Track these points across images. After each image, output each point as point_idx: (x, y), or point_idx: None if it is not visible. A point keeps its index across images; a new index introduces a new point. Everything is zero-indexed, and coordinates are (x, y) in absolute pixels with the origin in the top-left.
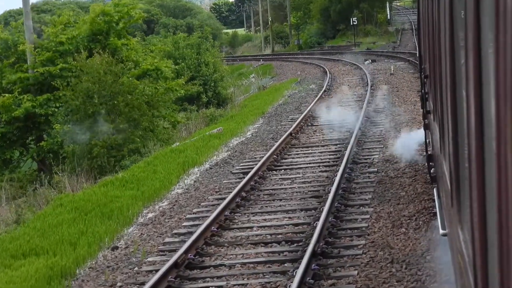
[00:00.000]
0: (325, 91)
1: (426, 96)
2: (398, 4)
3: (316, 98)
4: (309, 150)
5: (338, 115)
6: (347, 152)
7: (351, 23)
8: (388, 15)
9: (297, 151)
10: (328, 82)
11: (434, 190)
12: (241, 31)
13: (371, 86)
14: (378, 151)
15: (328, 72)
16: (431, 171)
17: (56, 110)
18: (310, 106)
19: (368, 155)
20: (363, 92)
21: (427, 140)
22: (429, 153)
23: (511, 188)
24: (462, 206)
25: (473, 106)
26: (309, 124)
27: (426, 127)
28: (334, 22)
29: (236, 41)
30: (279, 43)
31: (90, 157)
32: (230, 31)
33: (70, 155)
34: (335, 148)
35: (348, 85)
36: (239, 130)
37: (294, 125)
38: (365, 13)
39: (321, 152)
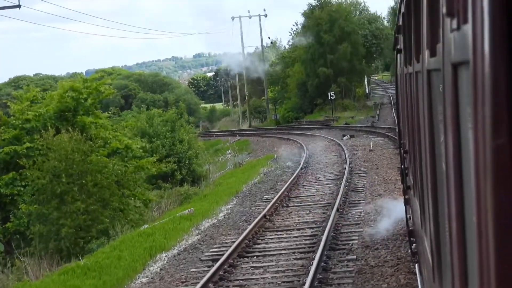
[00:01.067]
0: (302, 168)
1: (406, 171)
2: (376, 78)
3: (293, 177)
4: (283, 234)
5: (315, 195)
6: (323, 237)
7: (329, 98)
8: (367, 89)
9: (271, 235)
10: (305, 159)
11: (416, 265)
12: (219, 105)
13: (349, 164)
14: (357, 236)
15: (305, 149)
16: (412, 246)
17: (22, 189)
18: (286, 185)
19: (346, 240)
20: (341, 170)
21: (408, 216)
22: (410, 228)
23: (492, 264)
24: (444, 281)
25: (453, 180)
26: (285, 205)
27: (407, 202)
28: (311, 97)
29: (214, 116)
30: (257, 118)
31: (57, 238)
32: (208, 105)
33: (36, 236)
34: (311, 231)
35: (326, 162)
36: (211, 211)
37: (268, 206)
38: (343, 87)
39: (296, 237)
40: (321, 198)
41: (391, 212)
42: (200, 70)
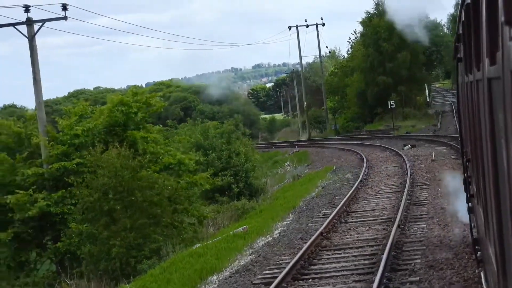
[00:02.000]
0: (361, 181)
1: (469, 179)
2: (437, 86)
3: (352, 190)
4: (341, 253)
5: (375, 210)
6: (384, 257)
7: (389, 106)
8: (427, 97)
9: (328, 254)
10: (365, 171)
11: (481, 273)
12: (279, 116)
13: (410, 175)
14: (420, 255)
15: (365, 159)
16: (478, 254)
17: (72, 208)
18: (345, 200)
19: (408, 260)
20: (402, 182)
21: (472, 224)
22: (474, 236)
23: None
24: (509, 287)
25: None
26: (343, 220)
27: (470, 211)
28: (371, 106)
29: (274, 126)
30: (317, 128)
31: (108, 258)
32: (268, 116)
33: (87, 256)
34: (371, 250)
35: (387, 174)
36: (266, 228)
37: (326, 223)
38: (403, 95)
39: (355, 256)
40: (381, 212)
41: (454, 228)
42: (260, 81)
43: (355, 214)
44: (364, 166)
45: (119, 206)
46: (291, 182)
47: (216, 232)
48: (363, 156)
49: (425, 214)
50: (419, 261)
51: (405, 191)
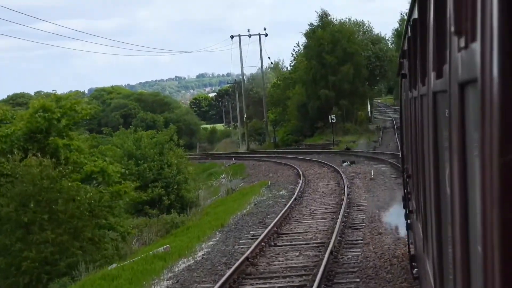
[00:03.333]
0: (295, 199)
1: (409, 196)
2: (379, 101)
3: (285, 209)
4: (266, 283)
5: (307, 232)
6: None
7: (330, 121)
8: (369, 113)
9: (251, 284)
10: (301, 188)
11: None
12: (220, 126)
13: (348, 195)
14: None
15: (301, 175)
16: (414, 271)
17: None
18: (276, 219)
19: None
20: (339, 202)
21: (410, 240)
22: (411, 253)
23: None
24: None
25: (458, 204)
26: (272, 244)
27: (409, 227)
28: (312, 119)
29: (214, 137)
30: (257, 140)
31: (18, 272)
32: (209, 126)
33: None
34: (299, 281)
35: (323, 192)
36: (189, 249)
37: (254, 245)
38: (344, 110)
39: (281, 287)
40: (314, 236)
41: (392, 257)
42: (204, 91)
43: (286, 236)
44: (300, 182)
45: (45, 216)
46: (224, 196)
47: (141, 247)
48: (300, 171)
49: (361, 240)
50: None
51: (341, 212)
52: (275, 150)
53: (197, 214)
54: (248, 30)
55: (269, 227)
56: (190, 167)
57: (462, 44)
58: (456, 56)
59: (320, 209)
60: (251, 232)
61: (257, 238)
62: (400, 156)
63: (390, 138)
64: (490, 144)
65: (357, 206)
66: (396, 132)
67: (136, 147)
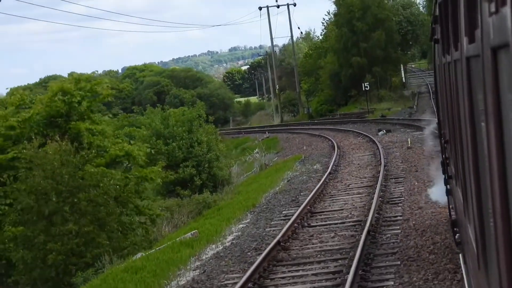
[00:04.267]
0: (330, 173)
1: (447, 161)
2: (413, 66)
3: (319, 184)
4: (299, 270)
5: (343, 210)
6: (349, 277)
7: (363, 89)
8: (403, 78)
9: (283, 272)
10: (335, 161)
11: (460, 255)
12: (254, 99)
13: (384, 166)
14: (394, 274)
15: (336, 147)
16: (456, 236)
17: (7, 208)
18: (310, 197)
19: (378, 280)
20: (375, 174)
21: (450, 206)
22: (453, 218)
23: None
24: (489, 268)
25: (496, 168)
26: (305, 224)
27: (449, 193)
28: (345, 88)
29: (248, 110)
30: (292, 111)
31: (44, 266)
32: (243, 99)
33: (20, 263)
34: (334, 266)
35: (359, 164)
36: (218, 234)
37: (285, 228)
38: (378, 77)
39: (315, 275)
40: (350, 213)
41: (434, 234)
42: (237, 64)
43: (320, 215)
44: (335, 155)
45: (67, 207)
46: (258, 172)
47: (172, 230)
48: (334, 143)
49: (400, 216)
50: (392, 283)
51: (378, 185)
52: (309, 122)
53: (229, 193)
54: (276, 1)
55: (302, 206)
56: (221, 144)
57: (493, 8)
58: (488, 21)
59: (356, 183)
60: (283, 212)
61: (290, 219)
62: (436, 121)
63: (426, 103)
64: None
65: (394, 178)
66: (431, 97)
67: (164, 126)
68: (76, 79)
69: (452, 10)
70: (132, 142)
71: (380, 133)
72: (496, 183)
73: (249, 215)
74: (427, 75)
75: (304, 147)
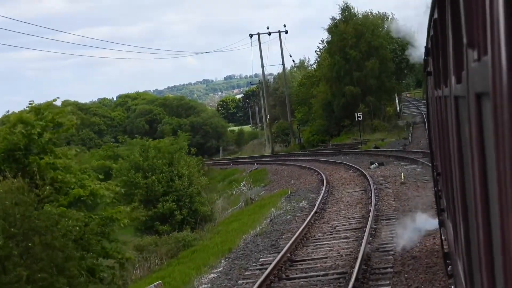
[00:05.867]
0: (316, 212)
1: (440, 193)
2: (408, 95)
3: (303, 225)
4: None
5: (327, 259)
6: None
7: (356, 119)
8: (398, 108)
9: None
10: (323, 198)
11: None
12: (247, 128)
13: (375, 205)
14: None
15: (325, 181)
16: (448, 268)
17: None
18: (292, 241)
19: None
20: (365, 214)
21: (443, 237)
22: (445, 250)
23: None
24: None
25: (480, 207)
26: (283, 276)
27: (441, 224)
28: (338, 118)
29: (242, 139)
30: (284, 141)
31: None
32: (236, 128)
33: None
34: None
35: (348, 202)
36: (185, 286)
37: (260, 280)
38: (371, 106)
39: None
40: (335, 263)
41: None
42: (232, 92)
43: (301, 264)
44: (323, 190)
45: (14, 253)
46: (243, 206)
47: (146, 274)
48: (324, 177)
49: (390, 267)
50: None
51: (367, 229)
52: (300, 152)
53: (210, 231)
54: (268, 28)
55: (282, 252)
56: (203, 178)
57: (476, 56)
58: (472, 66)
59: (343, 225)
60: (260, 260)
61: (267, 268)
62: (429, 152)
63: (420, 134)
64: (503, 162)
65: (386, 220)
66: (426, 127)
67: (143, 158)
68: (36, 108)
69: (442, 47)
70: (100, 176)
71: (372, 166)
72: (480, 222)
73: (223, 262)
74: (422, 105)
75: (292, 180)
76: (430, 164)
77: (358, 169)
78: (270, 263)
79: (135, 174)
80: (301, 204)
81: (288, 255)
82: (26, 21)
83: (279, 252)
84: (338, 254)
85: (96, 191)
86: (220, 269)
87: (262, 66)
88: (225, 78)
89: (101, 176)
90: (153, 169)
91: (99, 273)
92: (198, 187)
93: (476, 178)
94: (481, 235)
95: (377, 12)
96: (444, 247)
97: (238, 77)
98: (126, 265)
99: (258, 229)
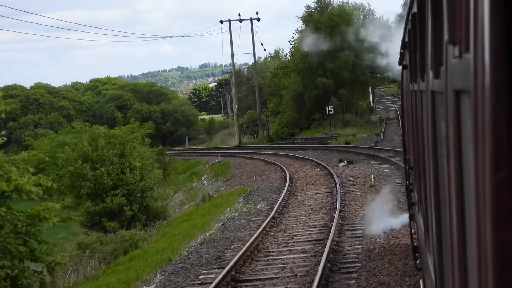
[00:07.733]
0: (273, 217)
1: (411, 187)
2: (382, 89)
3: (257, 233)
4: None
5: (277, 279)
6: None
7: (327, 112)
8: (371, 103)
9: None
10: (284, 199)
11: (421, 281)
12: (219, 117)
13: (340, 212)
14: None
15: (288, 180)
16: (417, 262)
17: None
18: (241, 253)
19: None
20: (328, 223)
21: (413, 231)
22: (415, 244)
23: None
24: None
25: (455, 202)
26: None
27: (411, 218)
28: (309, 111)
29: (212, 128)
30: (254, 133)
31: None
32: (208, 117)
33: None
34: None
35: (310, 206)
36: None
37: None
38: (344, 100)
39: None
40: (286, 286)
41: None
42: (206, 81)
43: (246, 286)
44: (285, 190)
45: None
46: (200, 203)
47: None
48: (288, 174)
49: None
50: None
51: (329, 241)
52: (268, 145)
53: (159, 231)
54: (239, 15)
55: (227, 269)
56: (157, 171)
57: (457, 53)
58: (452, 62)
59: (302, 235)
60: (200, 277)
61: None
62: (402, 147)
63: (394, 130)
64: (482, 162)
65: (351, 231)
66: (400, 124)
67: (92, 148)
68: None
69: (420, 41)
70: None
71: (341, 164)
72: (455, 217)
73: (158, 276)
74: (396, 100)
75: (254, 177)
76: (403, 157)
77: (326, 167)
78: (211, 282)
79: (83, 165)
80: (259, 206)
81: (233, 273)
82: (1, 4)
83: (223, 267)
84: (292, 274)
85: (22, 186)
86: (153, 286)
87: (232, 54)
88: (200, 66)
89: (31, 169)
90: (102, 160)
91: (22, 280)
92: (151, 181)
93: (452, 172)
94: (455, 229)
95: (353, 3)
96: (414, 240)
97: (213, 65)
98: (55, 270)
99: (207, 234)
